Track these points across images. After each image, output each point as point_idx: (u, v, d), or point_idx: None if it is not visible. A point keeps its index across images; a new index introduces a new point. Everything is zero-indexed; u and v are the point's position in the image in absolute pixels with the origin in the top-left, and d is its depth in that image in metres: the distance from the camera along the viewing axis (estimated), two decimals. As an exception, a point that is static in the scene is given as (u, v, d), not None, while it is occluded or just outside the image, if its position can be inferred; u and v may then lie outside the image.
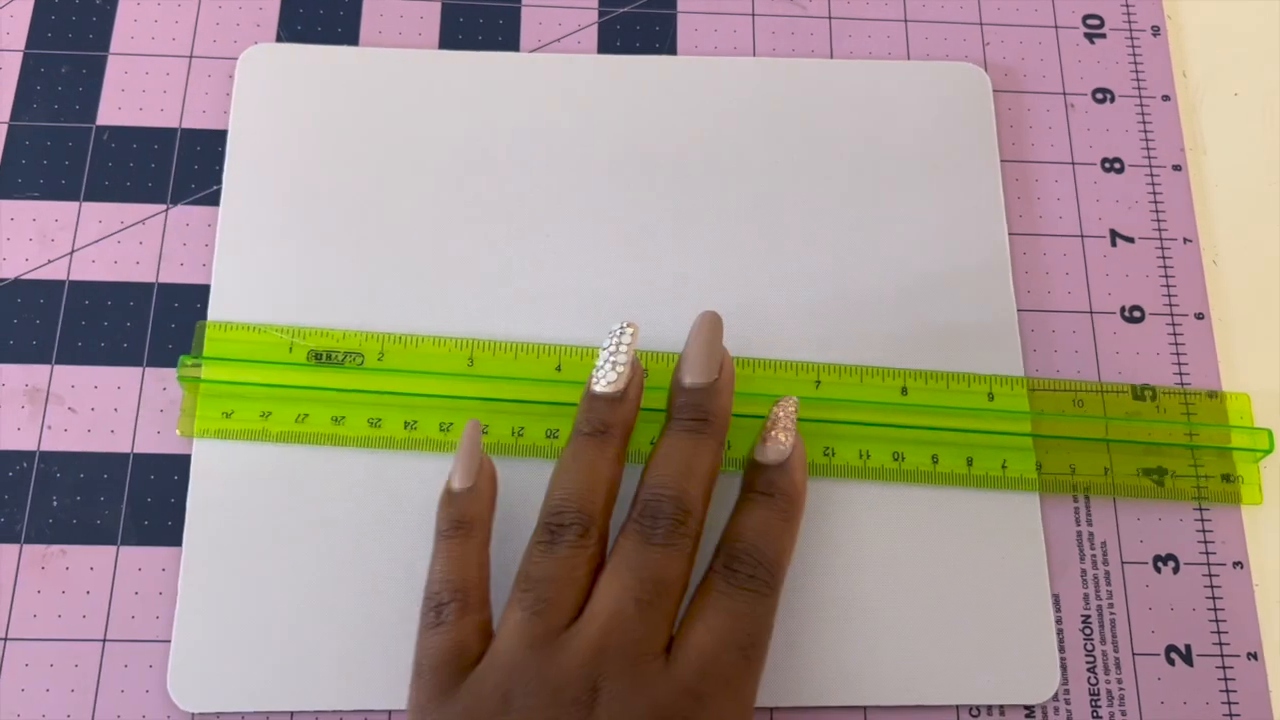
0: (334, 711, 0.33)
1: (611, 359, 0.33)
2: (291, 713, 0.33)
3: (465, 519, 0.31)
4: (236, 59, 0.39)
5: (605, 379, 0.32)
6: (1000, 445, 0.36)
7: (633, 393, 0.33)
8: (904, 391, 0.36)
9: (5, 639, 0.33)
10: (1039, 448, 0.36)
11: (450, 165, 0.38)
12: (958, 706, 0.34)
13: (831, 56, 0.41)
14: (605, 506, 0.31)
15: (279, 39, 0.40)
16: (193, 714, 0.33)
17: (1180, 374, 0.38)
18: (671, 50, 0.41)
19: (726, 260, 0.38)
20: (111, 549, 0.34)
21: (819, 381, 0.36)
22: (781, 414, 0.33)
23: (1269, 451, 0.36)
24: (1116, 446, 0.36)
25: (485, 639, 0.30)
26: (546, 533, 0.30)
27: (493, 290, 0.37)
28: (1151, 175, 0.40)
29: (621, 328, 0.33)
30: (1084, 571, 0.36)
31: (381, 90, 0.39)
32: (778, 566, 0.31)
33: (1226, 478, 0.36)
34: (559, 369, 0.36)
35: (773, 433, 0.33)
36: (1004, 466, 0.36)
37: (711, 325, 0.33)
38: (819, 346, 0.37)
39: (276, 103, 0.39)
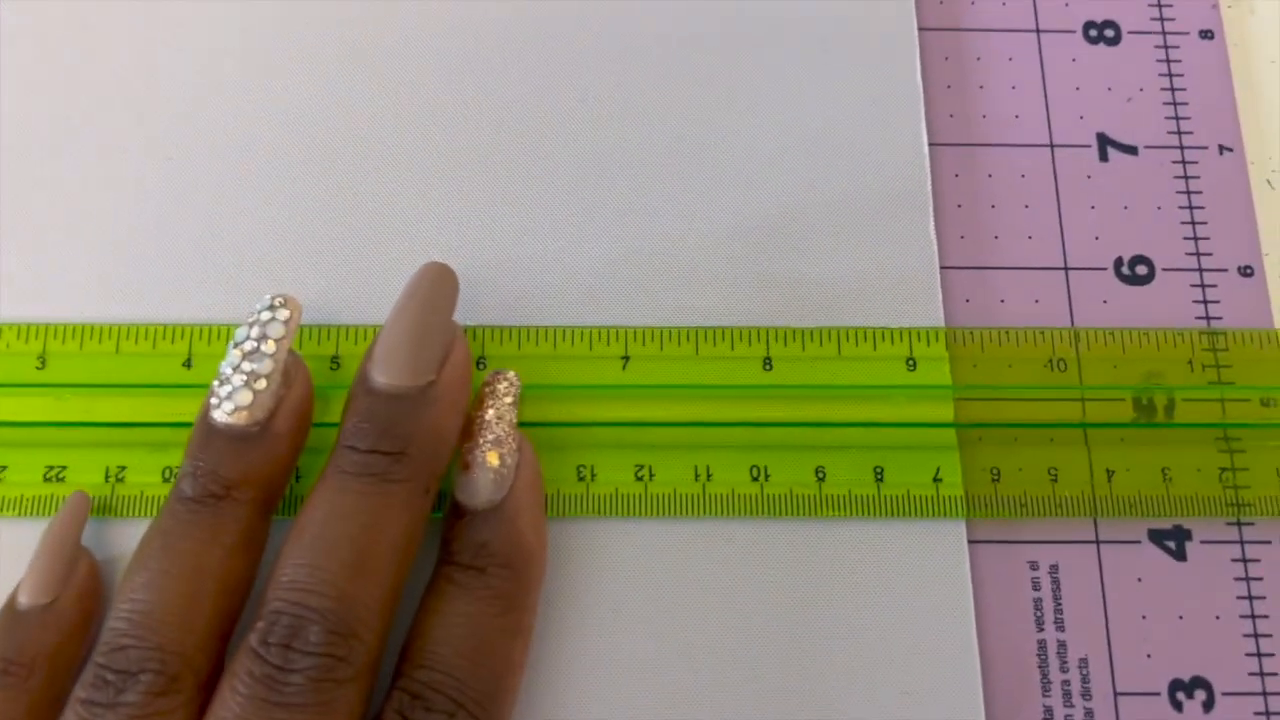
0: None
1: (241, 364, 0.21)
2: None
3: (22, 658, 0.20)
4: None
5: (231, 400, 0.21)
6: (928, 445, 0.24)
7: (281, 424, 0.21)
8: (767, 365, 0.24)
9: None
10: (985, 443, 0.24)
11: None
12: None
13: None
14: (211, 629, 0.20)
15: None
16: None
17: (1217, 364, 0.25)
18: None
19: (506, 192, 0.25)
20: None
21: (626, 357, 0.24)
22: (490, 412, 0.22)
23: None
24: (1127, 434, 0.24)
25: None
26: (98, 684, 0.19)
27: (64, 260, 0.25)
28: (1166, 48, 0.28)
29: (271, 305, 0.21)
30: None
31: None
32: (492, 703, 0.20)
33: None
34: (189, 364, 0.24)
35: (478, 450, 0.21)
36: (937, 478, 0.23)
37: (431, 288, 0.21)
38: (632, 309, 0.25)
39: None
